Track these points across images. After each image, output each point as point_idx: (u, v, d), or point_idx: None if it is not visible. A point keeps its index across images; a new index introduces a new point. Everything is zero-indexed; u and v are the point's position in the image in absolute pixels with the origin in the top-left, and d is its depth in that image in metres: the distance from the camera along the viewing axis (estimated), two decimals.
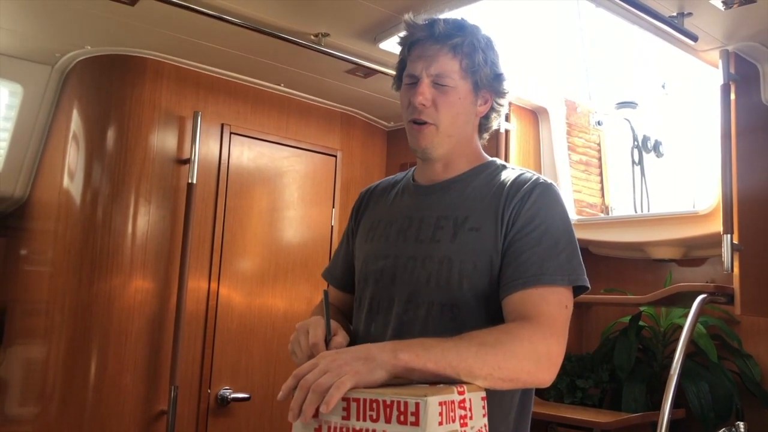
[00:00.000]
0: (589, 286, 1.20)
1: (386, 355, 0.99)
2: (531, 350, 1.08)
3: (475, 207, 1.26)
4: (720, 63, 2.16)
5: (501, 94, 1.33)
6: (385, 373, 0.98)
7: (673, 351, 2.03)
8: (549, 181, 1.28)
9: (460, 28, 1.27)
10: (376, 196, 1.46)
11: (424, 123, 1.27)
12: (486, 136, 1.38)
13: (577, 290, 1.20)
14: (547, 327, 1.11)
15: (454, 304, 1.20)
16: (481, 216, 1.24)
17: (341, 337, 1.19)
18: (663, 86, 2.99)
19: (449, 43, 1.25)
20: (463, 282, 1.20)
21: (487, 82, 1.29)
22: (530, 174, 1.29)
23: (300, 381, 0.97)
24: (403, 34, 1.33)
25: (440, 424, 0.89)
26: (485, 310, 1.20)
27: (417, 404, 0.88)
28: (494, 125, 1.37)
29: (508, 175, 1.30)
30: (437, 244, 1.25)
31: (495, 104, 1.34)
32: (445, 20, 1.27)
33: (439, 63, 1.25)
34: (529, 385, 1.13)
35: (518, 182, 1.26)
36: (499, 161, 1.38)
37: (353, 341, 1.35)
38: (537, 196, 1.23)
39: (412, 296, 1.24)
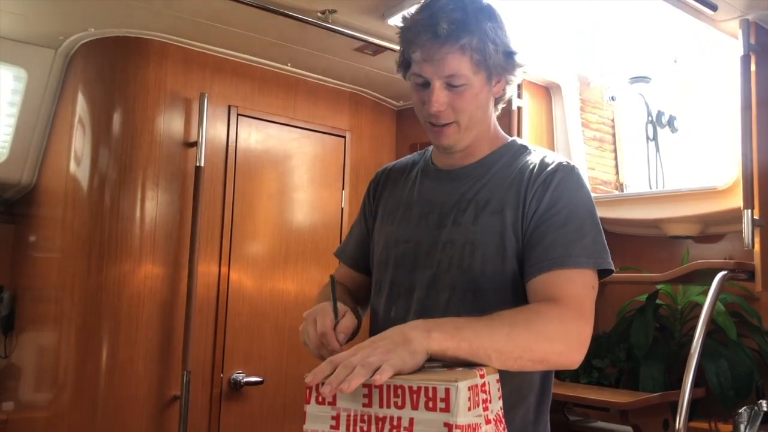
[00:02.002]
0: (614, 269, 1.18)
1: (421, 337, 0.95)
2: (562, 331, 1.07)
3: (496, 190, 1.24)
4: (740, 33, 2.09)
5: (514, 70, 1.27)
6: (424, 356, 0.95)
7: (691, 329, 2.00)
8: (572, 163, 1.25)
9: (464, 24, 1.16)
10: (394, 177, 1.42)
11: (444, 124, 1.22)
12: (500, 106, 1.33)
13: (602, 273, 1.18)
14: (575, 308, 1.10)
15: (477, 289, 1.18)
16: (503, 199, 1.22)
17: (348, 320, 1.17)
18: (675, 61, 2.92)
19: (457, 45, 1.16)
20: (486, 266, 1.18)
21: (500, 67, 1.23)
22: (552, 156, 1.26)
23: (341, 362, 0.92)
24: (401, 25, 1.24)
25: (468, 409, 0.86)
26: (509, 294, 1.18)
27: (447, 390, 0.85)
28: (508, 96, 1.32)
29: (530, 158, 1.27)
30: (458, 227, 1.22)
31: (508, 80, 1.29)
32: (447, 16, 1.16)
33: (448, 65, 1.17)
34: (558, 367, 1.12)
35: (541, 165, 1.23)
36: (519, 141, 1.35)
37: (374, 326, 1.33)
38: (560, 179, 1.20)
39: (433, 281, 1.22)
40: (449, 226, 1.24)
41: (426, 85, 1.20)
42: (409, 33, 1.21)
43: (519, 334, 1.02)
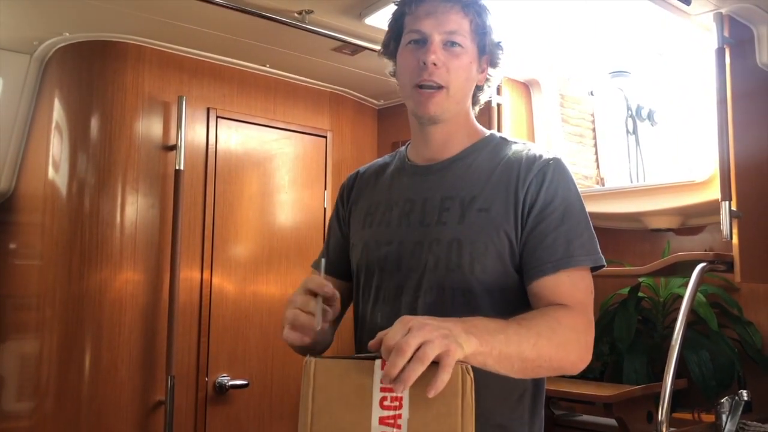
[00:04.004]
0: (605, 264, 1.20)
1: (463, 336, 0.92)
2: (576, 341, 1.10)
3: (481, 186, 1.21)
4: (714, 26, 2.11)
5: (496, 63, 1.29)
6: (463, 354, 0.91)
7: (673, 321, 2.01)
8: (557, 156, 1.24)
9: None
10: (368, 179, 1.39)
11: (435, 88, 1.20)
12: (477, 109, 1.33)
13: (594, 268, 1.20)
14: (587, 317, 1.13)
15: (466, 289, 1.16)
16: (490, 195, 1.20)
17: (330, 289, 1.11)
18: (660, 54, 2.94)
19: (460, 4, 1.20)
20: (474, 265, 1.16)
21: (490, 48, 1.26)
22: (536, 149, 1.25)
23: (396, 343, 0.87)
24: None
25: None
26: (498, 294, 1.16)
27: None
28: (484, 98, 1.32)
29: (513, 151, 1.25)
30: (444, 226, 1.20)
31: (489, 75, 1.30)
32: None
33: (451, 21, 1.19)
34: (565, 373, 1.13)
35: (528, 159, 1.22)
36: (498, 134, 1.34)
37: (359, 333, 1.30)
38: (552, 174, 1.20)
39: (420, 282, 1.19)
40: (434, 225, 1.21)
41: (423, 42, 1.20)
42: None
43: (543, 345, 1.03)
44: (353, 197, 1.40)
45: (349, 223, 1.38)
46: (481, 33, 1.22)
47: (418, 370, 0.85)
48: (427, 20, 1.19)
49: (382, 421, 0.87)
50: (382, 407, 0.88)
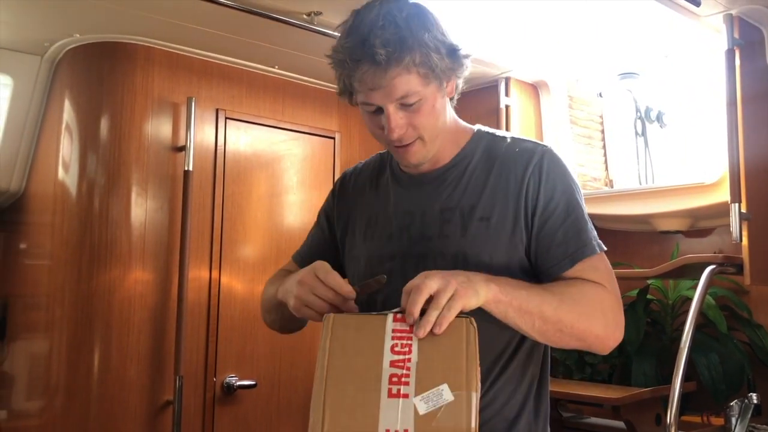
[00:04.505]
0: (606, 248, 1.23)
1: (482, 284, 1.01)
2: (601, 315, 1.12)
3: (479, 194, 1.20)
4: (724, 28, 2.10)
5: (462, 66, 1.19)
6: (478, 301, 1.01)
7: (682, 323, 2.00)
8: (548, 146, 1.24)
9: (401, 42, 1.08)
10: (362, 185, 1.37)
11: (408, 144, 1.18)
12: (456, 98, 1.27)
13: None
14: (613, 294, 1.16)
15: None
16: (489, 202, 1.19)
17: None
18: (666, 56, 2.93)
19: (401, 66, 1.08)
20: None
21: (449, 70, 1.16)
22: (525, 144, 1.24)
23: (415, 285, 0.98)
24: (333, 55, 1.15)
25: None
26: None
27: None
28: (462, 87, 1.26)
29: (504, 149, 1.24)
30: (446, 239, 1.19)
31: (459, 76, 1.22)
32: (381, 38, 1.07)
33: (397, 88, 1.10)
34: (593, 349, 1.16)
35: (522, 157, 1.21)
36: (484, 129, 1.31)
37: None
38: (548, 167, 1.20)
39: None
40: (436, 238, 1.20)
41: (379, 110, 1.14)
42: (344, 66, 1.12)
43: (565, 310, 1.08)
44: (347, 199, 1.38)
45: (341, 224, 1.37)
46: (434, 71, 1.12)
47: (433, 315, 0.95)
48: (373, 94, 1.11)
49: (393, 364, 0.94)
50: (393, 352, 0.95)
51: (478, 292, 1.00)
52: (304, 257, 1.42)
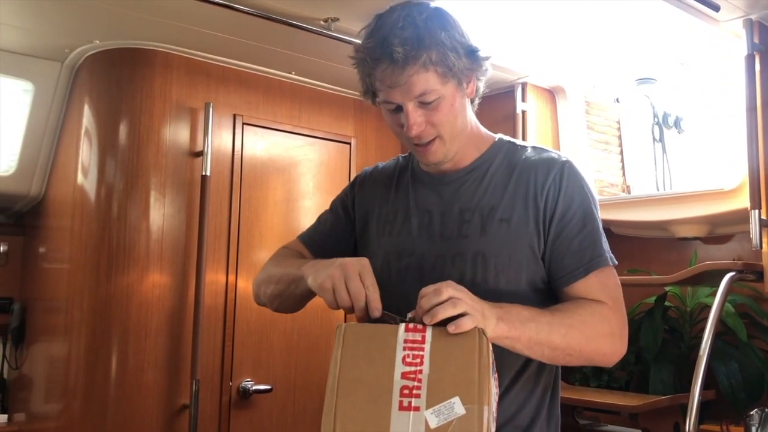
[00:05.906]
0: (617, 262, 1.25)
1: (493, 320, 1.03)
2: (609, 335, 1.14)
3: (499, 196, 1.22)
4: (744, 33, 2.09)
5: (481, 66, 1.22)
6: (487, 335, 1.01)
7: (701, 331, 1.98)
8: (567, 157, 1.26)
9: (418, 41, 1.11)
10: (383, 181, 1.38)
11: (428, 142, 1.20)
12: (477, 102, 1.29)
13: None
14: (619, 312, 1.18)
15: (491, 301, 1.15)
16: (509, 205, 1.21)
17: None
18: (681, 63, 2.92)
19: (418, 64, 1.12)
20: (500, 278, 1.18)
21: (468, 69, 1.18)
22: (546, 153, 1.26)
23: (433, 289, 1.01)
24: (355, 57, 1.19)
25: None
26: (523, 303, 1.15)
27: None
28: (483, 91, 1.28)
29: (525, 157, 1.26)
30: (465, 239, 1.20)
31: (479, 77, 1.24)
32: (399, 37, 1.11)
33: (415, 86, 1.13)
34: (599, 364, 1.19)
35: (543, 165, 1.23)
36: (505, 138, 1.33)
37: None
38: (567, 178, 1.22)
39: None
40: (455, 238, 1.21)
41: (399, 109, 1.17)
42: (365, 64, 1.16)
43: (574, 336, 1.10)
44: (365, 192, 1.39)
45: (354, 213, 1.38)
46: (452, 70, 1.15)
47: (449, 310, 0.97)
48: (393, 92, 1.15)
49: (404, 375, 0.94)
50: (405, 363, 0.95)
51: (486, 325, 1.02)
52: (315, 240, 1.42)
